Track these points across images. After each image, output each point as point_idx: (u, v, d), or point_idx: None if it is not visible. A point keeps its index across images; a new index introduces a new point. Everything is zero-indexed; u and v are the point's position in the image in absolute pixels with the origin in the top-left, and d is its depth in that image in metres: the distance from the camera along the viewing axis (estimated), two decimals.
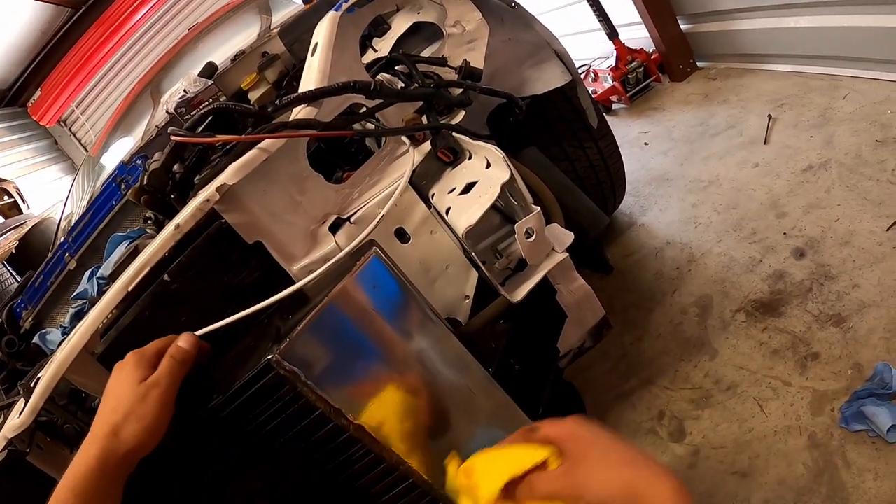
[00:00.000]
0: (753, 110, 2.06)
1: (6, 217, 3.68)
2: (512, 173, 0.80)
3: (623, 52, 2.60)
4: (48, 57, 4.97)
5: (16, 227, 3.44)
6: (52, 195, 4.68)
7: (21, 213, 3.84)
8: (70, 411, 0.93)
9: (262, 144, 0.87)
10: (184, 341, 0.74)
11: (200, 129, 1.03)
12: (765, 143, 1.88)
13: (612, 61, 2.62)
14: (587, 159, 1.55)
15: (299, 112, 0.94)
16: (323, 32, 1.05)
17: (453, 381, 0.85)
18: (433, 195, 0.95)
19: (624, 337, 1.55)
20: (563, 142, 1.54)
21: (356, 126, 0.96)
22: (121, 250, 1.22)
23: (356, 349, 0.75)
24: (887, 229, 1.41)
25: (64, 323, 1.35)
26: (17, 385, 1.23)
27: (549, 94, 1.45)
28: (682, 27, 2.44)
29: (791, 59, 2.09)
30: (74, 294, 1.29)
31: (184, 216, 0.82)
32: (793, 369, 1.26)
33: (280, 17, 2.43)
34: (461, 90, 1.14)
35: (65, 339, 1.31)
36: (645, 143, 2.31)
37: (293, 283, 0.89)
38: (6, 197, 3.87)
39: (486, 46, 1.27)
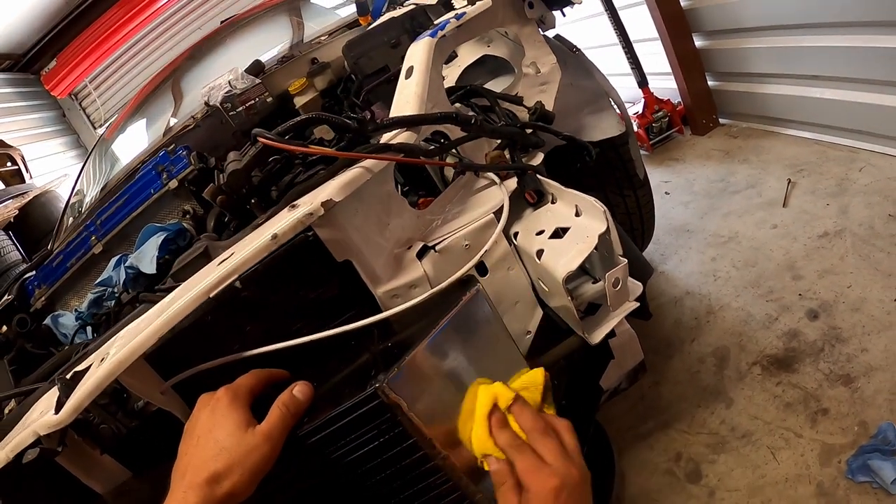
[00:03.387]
0: (773, 172, 2.17)
1: (7, 184, 3.61)
2: (609, 226, 0.86)
3: (651, 100, 2.71)
4: (68, 28, 4.92)
5: (17, 195, 3.39)
6: (54, 167, 4.62)
7: (23, 181, 3.77)
8: (110, 412, 0.90)
9: (365, 164, 0.89)
10: (301, 392, 0.71)
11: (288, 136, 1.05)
12: (783, 205, 1.99)
13: (639, 108, 2.73)
14: (625, 207, 1.63)
15: (396, 136, 0.98)
16: (420, 57, 1.07)
17: None
18: (516, 234, 1.00)
19: (643, 380, 1.62)
20: (605, 188, 1.61)
21: (453, 158, 1.01)
22: (155, 242, 1.22)
23: (452, 381, 0.78)
24: (895, 300, 1.52)
25: (80, 307, 1.33)
26: (52, 376, 1.22)
27: (601, 141, 1.52)
28: (710, 83, 2.55)
29: (812, 127, 2.21)
30: (98, 280, 1.28)
31: (282, 227, 0.79)
32: (804, 422, 1.34)
33: (316, 23, 2.45)
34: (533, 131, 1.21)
35: (80, 324, 1.31)
36: (666, 193, 2.40)
37: (372, 305, 0.94)
38: (10, 164, 3.79)
39: (556, 90, 1.33)
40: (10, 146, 3.91)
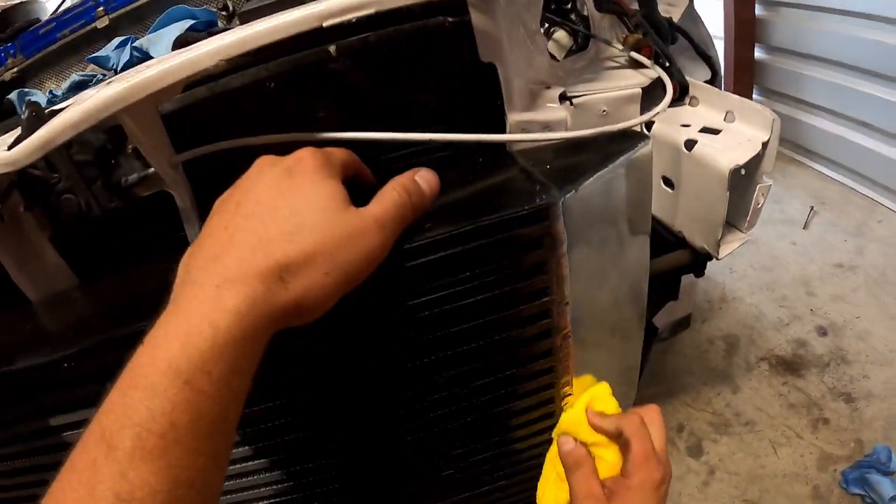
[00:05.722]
0: (797, 196, 2.18)
1: None
2: (772, 138, 0.77)
3: None
4: None
5: None
6: None
7: None
8: (86, 177, 0.60)
9: None
10: (426, 181, 0.47)
11: None
12: (804, 227, 1.99)
13: None
14: None
15: None
16: None
17: (627, 316, 0.80)
18: (650, 124, 0.90)
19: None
20: None
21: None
22: (179, 27, 0.99)
23: (599, 238, 0.66)
24: None
25: (57, 90, 1.11)
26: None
27: None
28: (755, 97, 2.54)
29: (842, 169, 2.22)
30: (92, 56, 1.04)
31: None
32: (805, 426, 1.33)
33: None
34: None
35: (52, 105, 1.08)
36: None
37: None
38: None
39: (681, 14, 1.23)
40: None
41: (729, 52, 2.42)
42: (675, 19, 1.22)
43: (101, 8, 1.21)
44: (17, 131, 0.47)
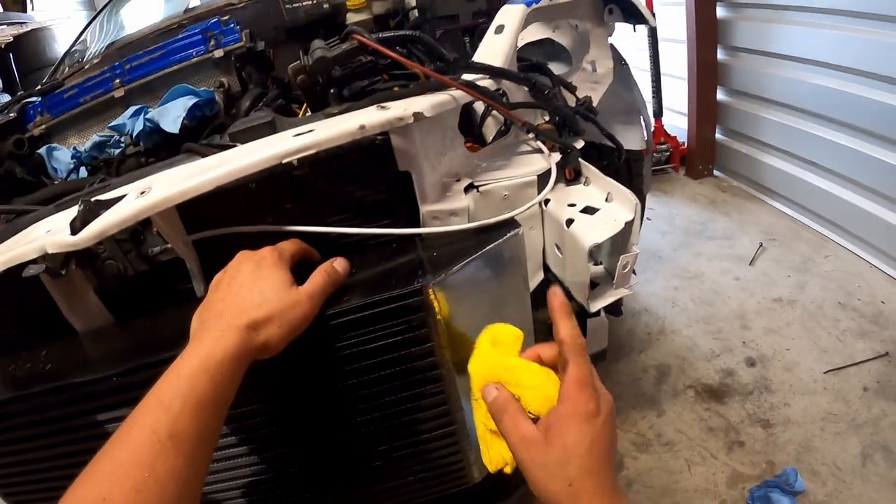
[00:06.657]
0: (748, 233, 2.35)
1: (7, 9, 3.41)
2: (635, 218, 0.97)
3: (660, 132, 2.86)
4: None
5: (14, 23, 3.22)
6: (57, 6, 4.33)
7: (25, 11, 3.57)
8: (124, 249, 0.88)
9: (454, 92, 0.95)
10: (341, 266, 0.75)
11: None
12: (750, 264, 2.17)
13: None
14: None
15: (479, 80, 1.04)
16: (512, 19, 1.14)
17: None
18: (548, 201, 1.10)
19: None
20: None
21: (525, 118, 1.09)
22: (183, 103, 1.22)
23: (474, 307, 0.86)
24: (824, 372, 1.69)
25: (80, 147, 1.33)
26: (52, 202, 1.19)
27: None
28: (717, 136, 2.72)
29: (794, 205, 2.39)
30: (112, 124, 1.27)
31: (372, 121, 0.79)
32: (721, 448, 1.51)
33: None
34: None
35: (75, 163, 1.31)
36: (648, 218, 2.55)
37: (408, 220, 1.01)
38: None
39: (603, 93, 1.43)
40: None
41: (692, 94, 2.61)
42: (596, 99, 1.43)
43: (118, 80, 1.47)
44: (66, 214, 0.78)
